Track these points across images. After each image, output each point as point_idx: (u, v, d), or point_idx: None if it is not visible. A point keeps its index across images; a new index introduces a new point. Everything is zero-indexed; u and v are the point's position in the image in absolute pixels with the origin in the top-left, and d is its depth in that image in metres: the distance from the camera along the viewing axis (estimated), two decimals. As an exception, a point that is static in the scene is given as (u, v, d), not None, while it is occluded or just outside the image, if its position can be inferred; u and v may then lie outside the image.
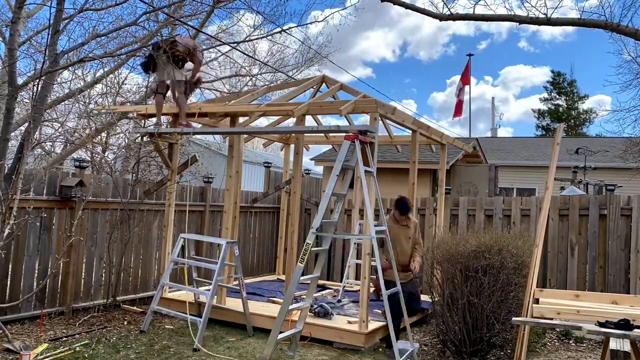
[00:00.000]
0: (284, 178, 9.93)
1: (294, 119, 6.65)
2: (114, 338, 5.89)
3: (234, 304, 6.79)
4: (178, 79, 6.95)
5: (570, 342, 6.66)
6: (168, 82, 7.03)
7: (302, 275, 5.12)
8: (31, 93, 6.94)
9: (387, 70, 73.36)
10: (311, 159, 13.98)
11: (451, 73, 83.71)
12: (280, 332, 4.97)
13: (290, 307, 5.12)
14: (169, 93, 7.26)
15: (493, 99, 36.47)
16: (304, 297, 5.61)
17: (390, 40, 75.05)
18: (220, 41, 12.41)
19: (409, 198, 6.92)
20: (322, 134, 9.21)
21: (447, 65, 70.30)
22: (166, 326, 6.62)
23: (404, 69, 73.28)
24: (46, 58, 6.06)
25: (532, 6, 7.98)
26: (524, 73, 67.75)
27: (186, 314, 6.26)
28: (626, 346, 3.99)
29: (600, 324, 4.09)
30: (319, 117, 8.21)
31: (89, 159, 8.59)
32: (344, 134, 8.00)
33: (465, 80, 24.68)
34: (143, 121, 8.12)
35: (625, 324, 3.97)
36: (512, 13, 8.25)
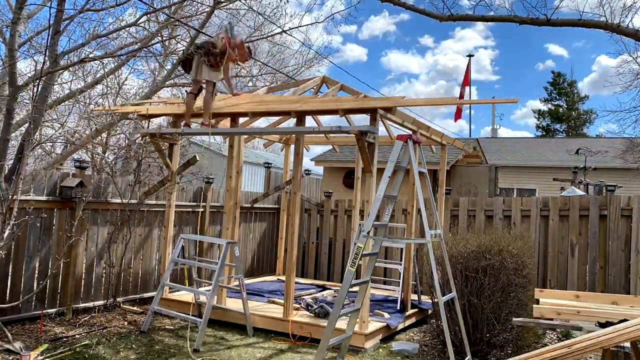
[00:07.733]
0: (284, 179, 9.92)
1: (294, 120, 6.65)
2: (114, 338, 5.89)
3: (234, 304, 6.79)
4: (208, 79, 6.74)
5: (571, 342, 6.64)
6: (203, 81, 6.80)
7: (355, 279, 4.92)
8: (31, 94, 6.93)
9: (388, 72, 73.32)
10: (311, 160, 13.94)
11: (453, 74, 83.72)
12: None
13: (340, 312, 4.89)
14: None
15: (493, 97, 36.49)
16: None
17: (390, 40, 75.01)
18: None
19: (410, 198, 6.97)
20: (323, 135, 9.20)
21: (448, 66, 70.27)
22: (166, 327, 6.62)
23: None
24: (46, 59, 6.05)
25: (532, 7, 7.98)
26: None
27: (186, 314, 6.25)
28: (626, 346, 3.99)
29: (601, 325, 4.09)
30: (319, 117, 8.21)
31: (89, 160, 8.58)
32: (345, 135, 8.05)
33: (465, 81, 24.61)
34: (143, 122, 8.12)
35: (625, 325, 3.96)
36: (513, 14, 8.26)
